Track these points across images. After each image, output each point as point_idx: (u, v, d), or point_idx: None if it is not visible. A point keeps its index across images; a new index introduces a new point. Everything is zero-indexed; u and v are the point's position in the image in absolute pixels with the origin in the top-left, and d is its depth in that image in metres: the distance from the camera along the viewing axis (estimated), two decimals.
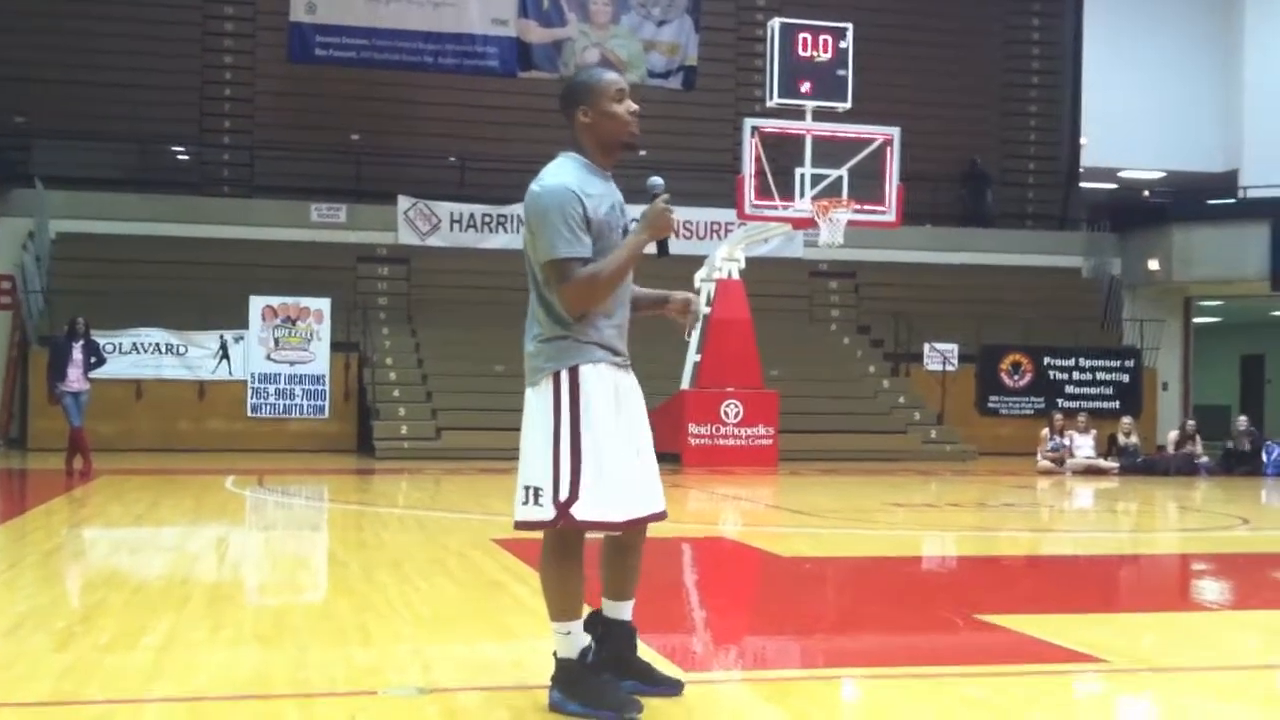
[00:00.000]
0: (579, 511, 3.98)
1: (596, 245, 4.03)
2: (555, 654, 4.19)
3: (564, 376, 4.03)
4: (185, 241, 22.54)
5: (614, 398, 4.10)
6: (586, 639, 4.19)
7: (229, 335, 20.99)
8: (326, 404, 21.21)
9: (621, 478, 4.05)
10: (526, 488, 4.07)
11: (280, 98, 25.33)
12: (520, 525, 4.12)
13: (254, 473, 15.48)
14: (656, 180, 4.14)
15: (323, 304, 21.25)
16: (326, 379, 21.20)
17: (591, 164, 4.14)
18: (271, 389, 21.02)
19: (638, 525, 4.19)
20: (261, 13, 25.27)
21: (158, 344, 20.78)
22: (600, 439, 4.02)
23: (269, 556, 8.74)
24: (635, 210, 4.10)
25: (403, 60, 24.43)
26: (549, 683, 4.20)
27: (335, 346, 21.32)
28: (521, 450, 4.12)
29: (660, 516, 4.25)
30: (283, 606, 6.47)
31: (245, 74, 25.52)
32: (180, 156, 25.75)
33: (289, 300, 21.14)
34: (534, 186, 4.09)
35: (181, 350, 20.85)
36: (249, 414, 20.97)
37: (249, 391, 20.97)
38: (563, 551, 4.11)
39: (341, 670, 4.72)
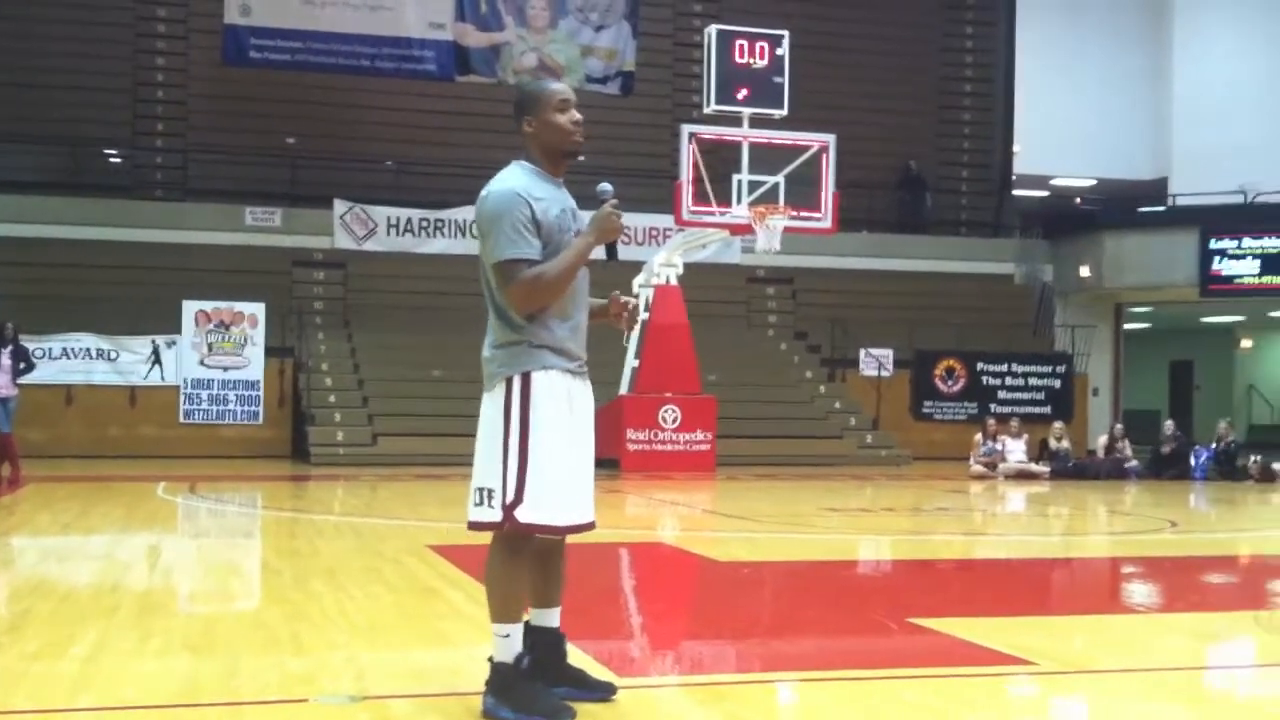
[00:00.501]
0: (522, 514, 4.05)
1: (547, 248, 4.11)
2: (490, 658, 4.19)
3: (516, 382, 4.11)
4: (117, 245, 22.24)
5: (566, 404, 4.16)
6: (521, 644, 4.18)
7: (161, 340, 20.72)
8: (261, 410, 21.00)
9: (566, 483, 4.11)
10: (479, 489, 4.15)
11: (214, 100, 25.06)
12: (472, 526, 4.20)
13: (186, 479, 15.29)
14: (606, 186, 4.24)
15: (257, 309, 21.04)
16: (261, 384, 20.99)
17: (541, 170, 4.23)
18: (204, 395, 20.79)
19: (578, 531, 4.23)
20: (195, 14, 25.00)
21: (88, 349, 20.49)
22: (547, 444, 4.08)
23: (201, 564, 8.63)
24: (587, 215, 4.14)
25: (339, 64, 24.26)
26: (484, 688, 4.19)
27: (270, 352, 21.12)
28: (476, 452, 4.19)
29: (591, 526, 4.30)
30: (214, 615, 6.40)
31: (179, 76, 25.23)
32: (112, 160, 25.39)
33: (223, 305, 20.91)
34: (483, 192, 4.18)
35: (113, 356, 20.57)
36: (181, 420, 20.72)
37: (181, 397, 20.72)
38: (508, 553, 4.15)
39: (273, 679, 4.68)
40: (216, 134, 24.75)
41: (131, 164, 25.27)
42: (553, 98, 4.21)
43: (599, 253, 4.27)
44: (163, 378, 20.74)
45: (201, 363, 20.78)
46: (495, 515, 4.09)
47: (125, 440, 20.33)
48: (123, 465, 17.94)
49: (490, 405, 4.16)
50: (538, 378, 4.11)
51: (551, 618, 4.35)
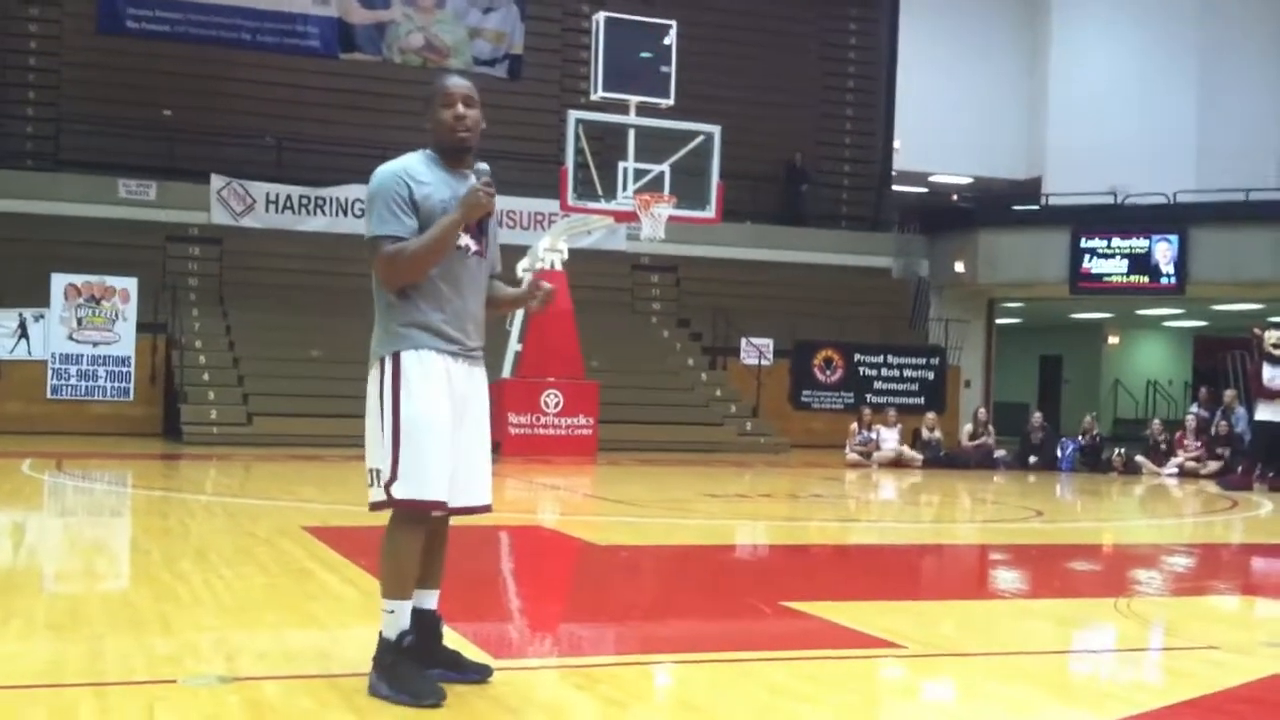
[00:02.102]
0: (397, 491, 4.10)
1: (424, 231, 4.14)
2: (380, 632, 4.21)
3: (388, 362, 4.16)
4: None
5: (444, 383, 4.17)
6: (407, 623, 4.19)
7: (29, 314, 20.10)
8: (131, 386, 20.50)
9: (438, 460, 4.11)
10: (369, 470, 4.22)
11: (89, 70, 24.34)
12: (371, 507, 4.25)
13: (53, 456, 14.88)
14: (482, 165, 4.25)
15: (129, 283, 20.52)
16: (132, 361, 20.49)
17: (439, 160, 4.26)
18: (73, 370, 20.23)
19: (457, 512, 4.25)
20: None
21: None
22: (418, 422, 4.10)
23: (66, 544, 8.42)
24: (495, 202, 4.15)
25: (219, 36, 23.72)
26: (358, 671, 4.18)
27: (142, 328, 20.61)
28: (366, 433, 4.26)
29: (483, 509, 4.33)
30: (79, 595, 6.25)
31: (52, 44, 24.45)
32: None
33: (93, 279, 20.36)
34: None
35: None
36: (49, 395, 20.14)
37: (49, 372, 20.14)
38: (402, 530, 4.18)
39: (140, 660, 4.59)
40: (90, 104, 24.05)
41: (1, 132, 24.46)
42: (438, 93, 4.25)
43: (465, 230, 4.23)
44: (29, 352, 20.12)
45: (70, 337, 20.22)
46: (382, 495, 4.15)
47: None
48: None
49: (370, 387, 4.22)
50: (407, 357, 4.14)
51: (429, 599, 4.35)
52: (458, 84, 4.29)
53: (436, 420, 4.13)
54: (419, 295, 4.16)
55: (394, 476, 4.09)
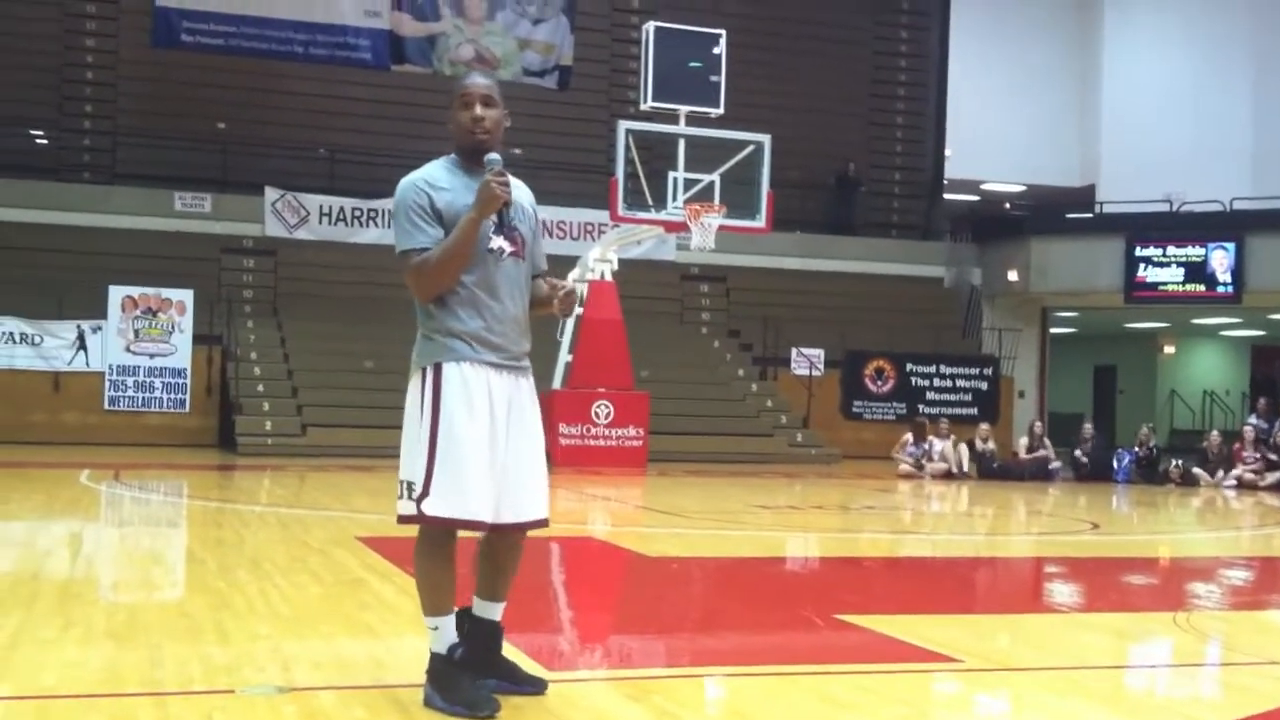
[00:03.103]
0: (428, 507, 4.03)
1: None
2: (430, 649, 4.20)
3: (429, 373, 4.10)
4: (42, 228, 21.86)
5: (485, 398, 4.09)
6: (455, 635, 4.19)
7: (87, 326, 20.40)
8: (187, 398, 20.73)
9: (473, 477, 4.03)
10: (401, 482, 4.14)
11: (144, 83, 24.70)
12: (400, 520, 4.19)
13: (110, 467, 15.06)
14: (493, 156, 4.11)
15: (185, 295, 20.77)
16: (188, 372, 20.73)
17: (460, 164, 4.20)
18: (130, 381, 20.49)
19: (507, 529, 4.19)
20: None
21: (11, 333, 20.13)
22: (456, 438, 4.03)
23: (124, 553, 8.52)
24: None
25: (272, 49, 23.95)
26: (412, 681, 4.19)
27: (198, 339, 20.86)
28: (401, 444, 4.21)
29: (538, 524, 4.26)
30: (137, 604, 6.32)
31: (108, 58, 24.81)
32: (39, 141, 24.94)
33: (150, 291, 20.63)
34: None
35: (37, 340, 20.22)
36: (106, 407, 20.41)
37: (107, 384, 20.41)
38: (428, 547, 4.15)
39: (198, 669, 4.63)
40: (146, 118, 24.39)
41: (57, 146, 24.83)
42: (456, 94, 4.19)
43: (495, 232, 4.14)
44: (88, 364, 20.42)
45: (128, 349, 20.47)
46: (412, 509, 4.08)
47: (48, 427, 19.99)
48: (45, 452, 17.65)
49: (409, 397, 4.17)
50: (448, 370, 4.08)
51: (493, 611, 4.33)
52: (476, 83, 4.21)
53: (474, 437, 4.05)
54: (457, 303, 4.10)
55: (426, 492, 4.02)
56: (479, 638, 4.28)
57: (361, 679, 4.56)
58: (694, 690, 4.74)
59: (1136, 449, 19.41)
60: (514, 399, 4.19)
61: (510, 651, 4.50)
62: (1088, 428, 20.34)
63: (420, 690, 4.19)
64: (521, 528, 4.22)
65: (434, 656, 4.18)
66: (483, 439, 4.07)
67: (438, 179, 4.14)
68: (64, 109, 24.73)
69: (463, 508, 4.02)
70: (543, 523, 4.27)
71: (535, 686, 4.34)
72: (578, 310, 18.64)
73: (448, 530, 4.12)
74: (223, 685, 4.38)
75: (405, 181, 4.16)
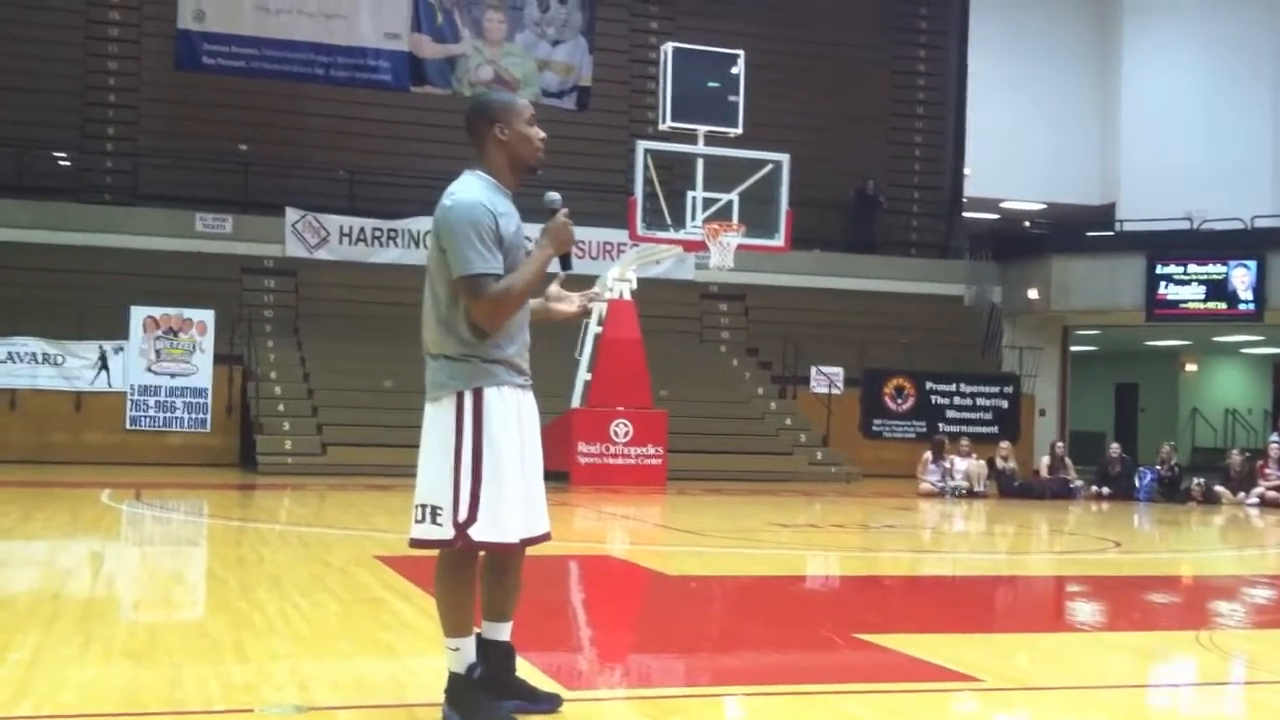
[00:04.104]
0: (476, 533, 4.02)
1: (505, 262, 4.06)
2: (449, 669, 4.20)
3: (468, 398, 4.06)
4: (65, 249, 21.99)
5: (516, 420, 4.13)
6: (474, 656, 4.20)
7: (109, 346, 20.49)
8: (208, 417, 20.80)
9: (517, 500, 4.09)
10: (423, 506, 4.08)
11: (166, 105, 24.84)
12: (416, 543, 4.13)
13: (131, 486, 15.12)
14: (554, 195, 4.19)
15: (206, 316, 20.86)
16: (209, 392, 20.80)
17: (497, 183, 4.18)
18: (152, 401, 20.57)
19: (533, 544, 4.23)
20: (148, 19, 24.78)
21: (34, 354, 20.23)
22: (500, 462, 4.04)
23: (144, 572, 8.54)
24: (531, 229, 4.10)
25: (293, 71, 24.10)
26: (431, 700, 4.19)
27: (219, 359, 20.92)
28: (419, 467, 4.12)
29: (546, 538, 4.30)
30: (157, 623, 6.33)
31: (130, 80, 24.99)
32: (61, 162, 25.12)
33: (172, 311, 20.72)
34: (445, 201, 4.09)
35: (59, 360, 20.32)
36: (128, 426, 20.48)
37: (128, 403, 20.48)
38: (457, 569, 4.14)
39: (217, 688, 4.64)
40: (167, 139, 24.54)
41: (80, 167, 25.01)
42: (525, 110, 4.21)
43: (553, 265, 4.25)
44: (109, 383, 20.50)
45: (149, 369, 20.56)
46: (446, 533, 4.03)
47: (70, 446, 20.07)
48: (67, 471, 17.72)
49: (438, 418, 4.09)
50: (491, 394, 4.07)
51: (502, 631, 4.34)
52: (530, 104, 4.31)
53: (516, 461, 4.10)
54: (507, 328, 4.12)
55: (473, 518, 4.01)
56: (494, 659, 4.28)
57: (380, 698, 4.56)
58: (713, 710, 4.73)
59: (1158, 467, 19.30)
60: (532, 418, 4.24)
61: (526, 670, 4.50)
62: (1115, 447, 20.23)
63: (439, 710, 4.19)
64: (535, 541, 4.25)
65: (453, 677, 4.17)
66: (518, 463, 4.11)
67: (495, 202, 4.10)
68: (86, 131, 24.90)
69: (510, 532, 4.06)
70: (549, 536, 4.31)
71: (552, 703, 4.35)
72: (596, 329, 18.71)
73: (474, 553, 4.12)
74: (242, 704, 4.38)
75: (470, 201, 4.05)
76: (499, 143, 4.17)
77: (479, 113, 4.22)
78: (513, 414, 4.12)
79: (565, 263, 4.24)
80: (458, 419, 4.04)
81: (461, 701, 4.12)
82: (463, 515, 4.00)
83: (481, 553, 4.18)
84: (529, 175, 4.26)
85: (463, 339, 4.08)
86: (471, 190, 4.10)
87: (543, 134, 4.24)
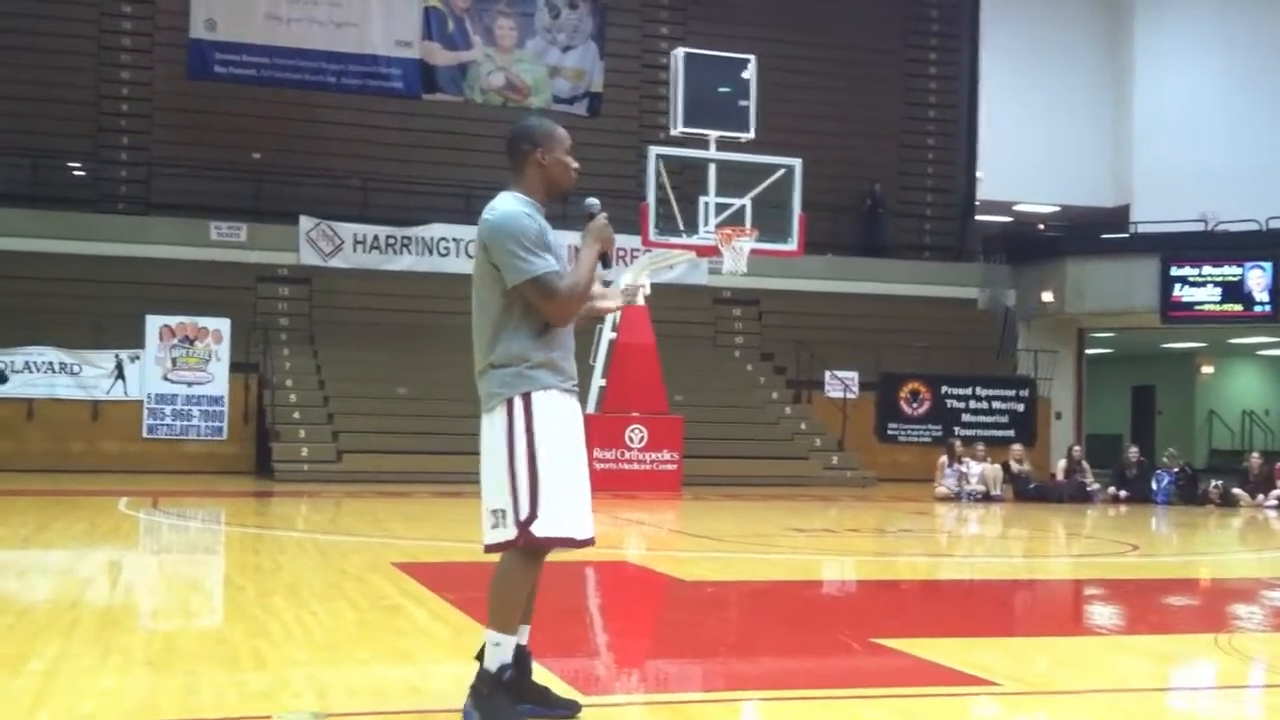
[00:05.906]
0: (538, 529, 4.14)
1: None
2: (480, 660, 4.23)
3: (517, 403, 4.20)
4: (80, 259, 22.06)
5: (564, 420, 4.27)
6: (510, 656, 4.22)
7: (125, 355, 20.57)
8: (225, 425, 20.85)
9: (578, 496, 4.24)
10: (492, 512, 4.22)
11: (179, 114, 24.92)
12: (489, 549, 4.26)
13: (148, 494, 15.16)
14: (593, 201, 4.42)
15: (222, 324, 20.92)
16: (225, 400, 20.86)
17: (533, 203, 4.35)
18: (168, 410, 20.63)
19: (587, 545, 4.31)
20: (160, 28, 24.88)
21: (51, 363, 20.31)
22: (557, 459, 4.18)
23: (162, 580, 8.56)
24: (576, 238, 4.31)
25: (305, 80, 24.19)
26: (449, 706, 4.19)
27: (234, 367, 20.98)
28: (482, 477, 4.26)
29: (590, 542, 4.37)
30: (175, 631, 6.35)
31: (143, 90, 25.08)
32: (75, 172, 25.22)
33: (187, 320, 20.78)
34: (487, 216, 4.27)
35: (75, 370, 20.40)
36: (145, 435, 20.55)
37: (145, 412, 20.55)
38: (521, 566, 4.23)
39: (234, 695, 4.65)
40: (181, 148, 24.61)
41: (94, 177, 25.11)
42: (566, 140, 4.42)
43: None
44: (126, 392, 20.57)
45: (165, 378, 20.63)
46: (509, 534, 4.16)
47: (87, 455, 20.14)
48: (84, 480, 17.77)
49: (491, 427, 4.24)
50: (538, 398, 4.21)
51: (522, 635, 4.37)
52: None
53: (575, 458, 4.24)
54: (550, 334, 4.27)
55: (534, 515, 4.12)
56: (512, 664, 4.28)
57: (398, 704, 4.57)
58: (730, 715, 4.73)
59: (1175, 470, 19.22)
60: (578, 422, 4.38)
61: (543, 675, 4.51)
62: (1133, 450, 20.14)
63: (458, 715, 4.19)
64: (582, 544, 4.31)
65: (483, 674, 4.20)
66: (580, 460, 4.28)
67: (537, 214, 4.30)
68: (100, 141, 25.00)
69: (573, 528, 4.20)
70: (593, 541, 4.39)
71: (568, 709, 4.37)
72: (610, 335, 18.71)
73: (541, 551, 4.24)
74: (260, 712, 4.39)
75: (511, 212, 4.23)
76: (539, 166, 4.37)
77: (523, 136, 4.39)
78: (566, 417, 4.27)
79: (605, 261, 4.43)
80: (509, 424, 4.18)
81: (485, 702, 4.15)
82: (524, 514, 4.13)
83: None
84: (559, 200, 4.46)
85: (511, 348, 4.22)
86: (510, 204, 4.29)
87: (576, 163, 4.42)
